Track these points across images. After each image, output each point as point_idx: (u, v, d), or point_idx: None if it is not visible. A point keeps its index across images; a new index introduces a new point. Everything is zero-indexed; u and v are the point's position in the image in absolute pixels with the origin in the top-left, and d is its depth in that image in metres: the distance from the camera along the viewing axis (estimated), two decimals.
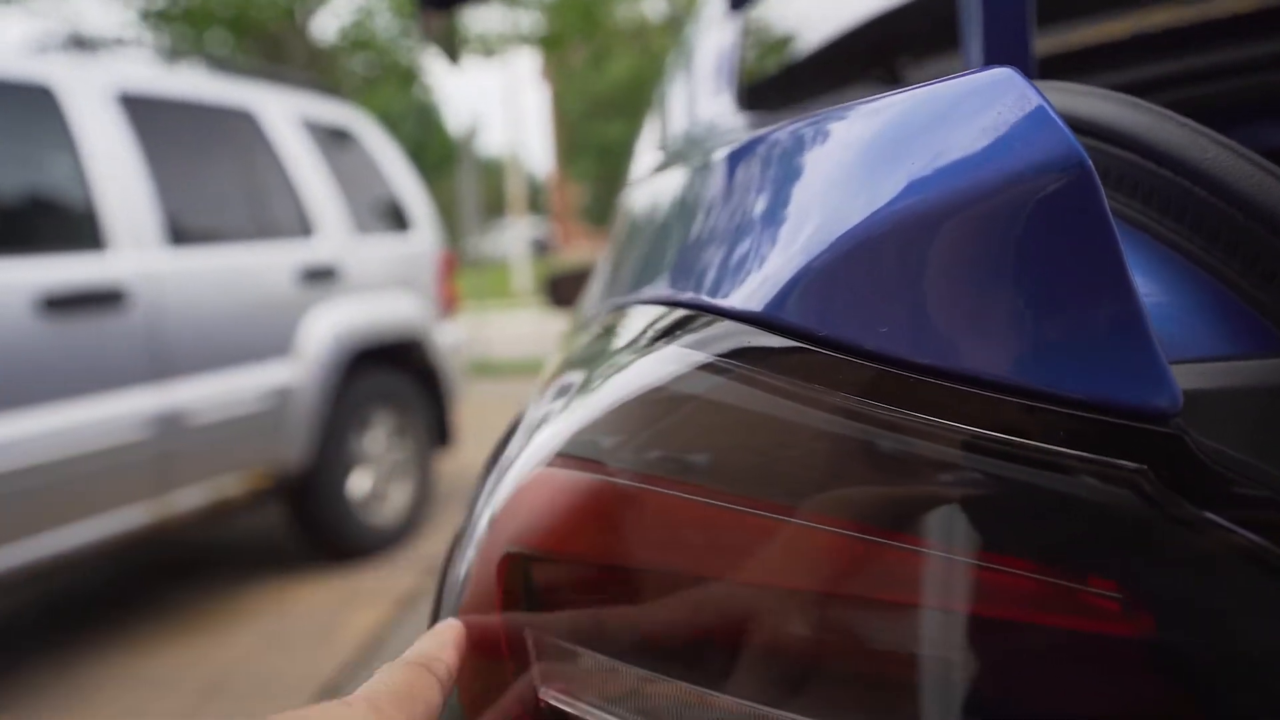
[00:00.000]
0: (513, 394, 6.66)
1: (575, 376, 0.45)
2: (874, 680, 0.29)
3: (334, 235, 3.45)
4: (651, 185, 0.70)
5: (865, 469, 0.30)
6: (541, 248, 28.59)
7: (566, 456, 0.36)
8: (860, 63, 1.15)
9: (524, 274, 17.70)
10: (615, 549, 0.34)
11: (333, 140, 3.65)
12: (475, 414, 5.44)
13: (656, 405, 0.35)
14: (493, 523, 0.37)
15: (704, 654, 0.32)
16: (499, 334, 10.45)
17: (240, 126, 3.26)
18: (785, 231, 0.34)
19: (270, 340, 3.11)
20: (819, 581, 0.30)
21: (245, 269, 3.06)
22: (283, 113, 3.44)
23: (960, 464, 0.28)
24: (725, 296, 0.36)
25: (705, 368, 0.34)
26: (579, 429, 0.36)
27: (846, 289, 0.30)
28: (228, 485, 2.94)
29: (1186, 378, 0.29)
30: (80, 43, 2.85)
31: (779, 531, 0.30)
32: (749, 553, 0.31)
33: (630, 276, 0.62)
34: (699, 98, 0.82)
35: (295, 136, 3.43)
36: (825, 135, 0.36)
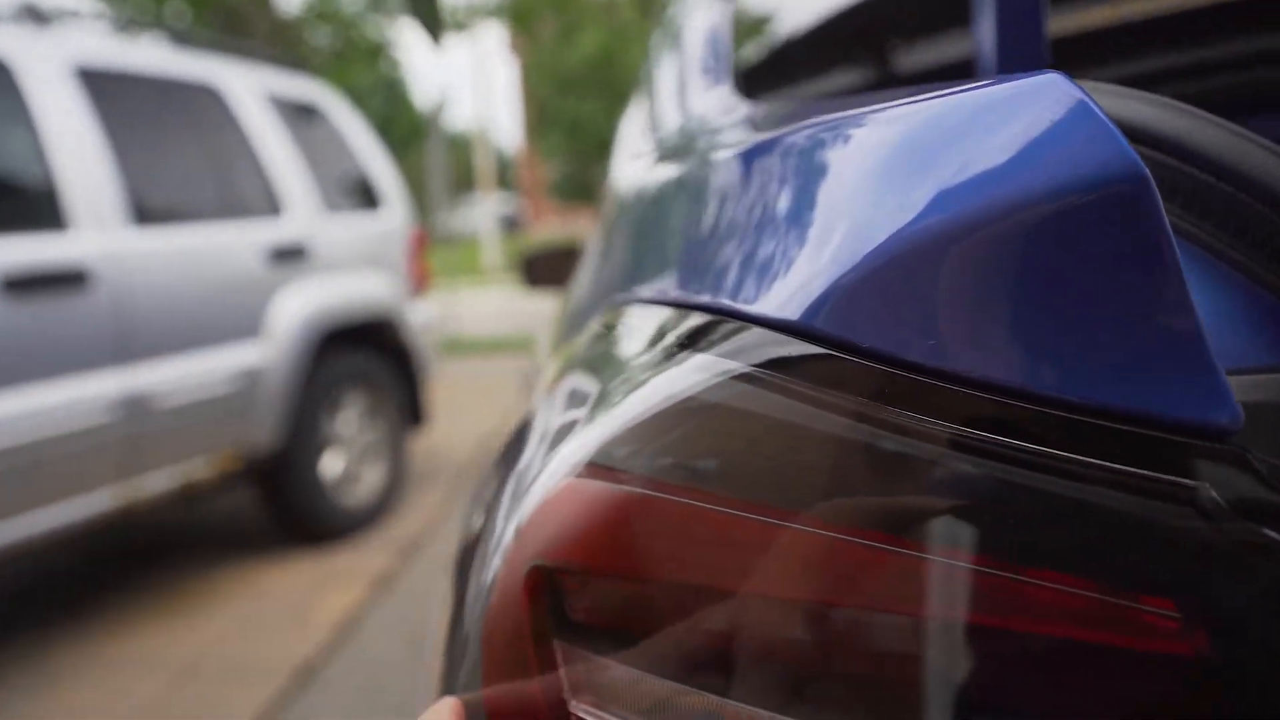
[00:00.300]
0: (485, 372, 6.63)
1: (589, 381, 0.44)
2: (917, 695, 0.29)
3: (302, 213, 3.38)
4: (650, 174, 0.68)
5: (910, 483, 0.29)
6: (511, 224, 28.39)
7: (596, 467, 0.35)
8: (850, 46, 1.13)
9: (494, 250, 17.57)
10: (647, 562, 0.33)
11: (300, 116, 3.57)
12: (447, 392, 5.41)
13: (688, 415, 0.34)
14: (518, 534, 0.36)
15: (739, 667, 0.31)
16: (469, 311, 10.38)
17: (205, 102, 3.17)
18: (818, 237, 0.33)
19: (239, 321, 3.05)
20: (864, 596, 0.29)
21: (212, 249, 2.99)
22: (248, 88, 3.36)
23: (1011, 480, 0.28)
24: (752, 302, 0.35)
25: (739, 377, 0.33)
26: (608, 439, 0.35)
27: (891, 299, 0.29)
28: (197, 468, 2.90)
29: (1239, 390, 0.28)
30: (35, 14, 2.75)
31: (820, 545, 0.30)
32: (789, 565, 0.30)
33: (628, 269, 0.61)
34: (693, 84, 0.80)
35: (261, 112, 3.35)
36: (855, 138, 0.35)
